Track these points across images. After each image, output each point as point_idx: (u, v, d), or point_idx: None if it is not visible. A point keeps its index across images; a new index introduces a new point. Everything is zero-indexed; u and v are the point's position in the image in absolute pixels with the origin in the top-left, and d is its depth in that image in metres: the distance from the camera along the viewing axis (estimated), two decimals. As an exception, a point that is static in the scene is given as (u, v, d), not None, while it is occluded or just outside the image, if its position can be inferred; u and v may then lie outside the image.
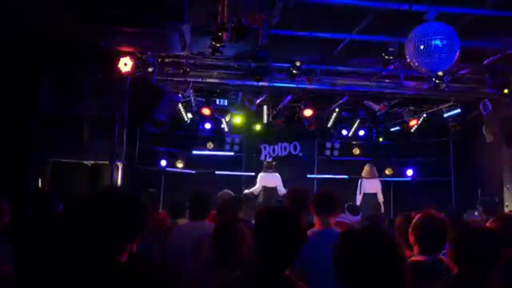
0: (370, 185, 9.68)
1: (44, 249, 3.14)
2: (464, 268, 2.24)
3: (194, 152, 10.81)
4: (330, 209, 3.44)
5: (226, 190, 5.83)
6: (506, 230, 2.74)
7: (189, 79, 7.25)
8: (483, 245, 2.21)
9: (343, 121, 10.70)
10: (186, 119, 9.40)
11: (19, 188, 5.69)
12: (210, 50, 5.14)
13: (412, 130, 9.91)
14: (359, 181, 9.87)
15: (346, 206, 5.98)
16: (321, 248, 2.20)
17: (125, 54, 5.92)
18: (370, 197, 9.58)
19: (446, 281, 2.27)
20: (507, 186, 8.03)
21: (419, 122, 9.56)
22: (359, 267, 1.56)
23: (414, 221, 2.86)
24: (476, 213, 6.36)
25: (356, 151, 11.69)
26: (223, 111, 9.67)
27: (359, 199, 9.59)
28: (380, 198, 9.67)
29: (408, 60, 4.31)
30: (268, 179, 9.54)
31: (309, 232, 3.39)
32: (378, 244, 1.57)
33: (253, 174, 10.41)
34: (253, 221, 2.30)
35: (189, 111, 9.32)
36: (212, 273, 2.94)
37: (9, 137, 5.95)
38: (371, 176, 9.75)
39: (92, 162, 7.09)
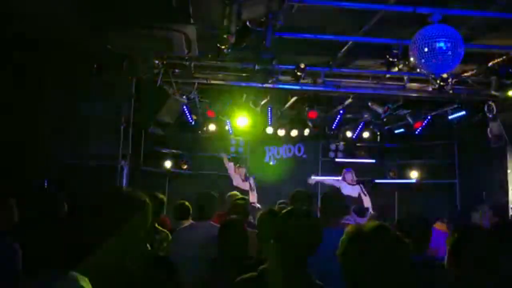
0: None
1: (49, 249, 3.17)
2: (465, 269, 2.25)
3: (199, 153, 10.85)
4: (337, 210, 3.50)
5: (234, 192, 5.87)
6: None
7: (194, 81, 7.28)
8: (483, 247, 2.23)
9: (347, 123, 10.72)
10: (190, 120, 9.44)
11: (26, 189, 5.73)
12: (215, 52, 5.17)
13: (416, 132, 9.90)
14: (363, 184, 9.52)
15: (353, 207, 5.99)
16: (327, 248, 2.22)
17: (130, 55, 5.96)
18: None
19: (446, 282, 2.28)
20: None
21: (424, 124, 9.55)
22: (363, 266, 1.55)
23: (396, 221, 2.88)
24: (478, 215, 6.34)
25: (360, 153, 11.69)
26: (228, 112, 9.69)
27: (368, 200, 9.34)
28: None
29: (412, 63, 4.32)
30: None
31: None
32: (383, 243, 1.57)
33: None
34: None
35: (193, 113, 9.35)
36: (217, 273, 2.96)
37: (14, 138, 5.99)
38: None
39: (96, 163, 7.12)
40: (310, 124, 9.88)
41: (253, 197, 9.00)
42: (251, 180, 9.44)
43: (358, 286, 1.59)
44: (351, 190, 8.99)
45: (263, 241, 2.80)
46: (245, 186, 9.27)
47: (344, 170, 9.43)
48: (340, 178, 9.43)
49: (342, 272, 1.60)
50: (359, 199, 8.88)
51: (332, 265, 2.32)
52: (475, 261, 2.24)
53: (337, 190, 8.74)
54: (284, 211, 2.26)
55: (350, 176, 9.23)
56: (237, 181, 9.38)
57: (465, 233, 2.37)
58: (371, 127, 10.58)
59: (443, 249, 2.72)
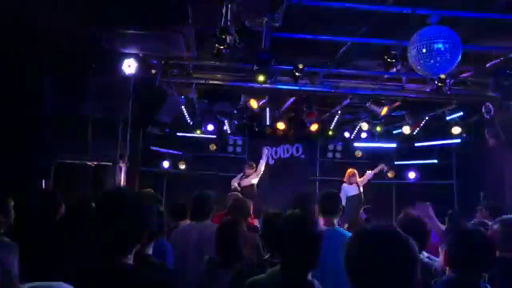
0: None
1: (48, 249, 3.16)
2: (459, 270, 2.26)
3: (197, 153, 10.84)
4: (335, 209, 3.52)
5: (234, 193, 5.87)
6: (504, 232, 2.79)
7: (192, 81, 7.28)
8: (478, 247, 2.24)
9: (346, 124, 10.72)
10: (189, 120, 9.43)
11: (25, 189, 5.72)
12: (214, 52, 5.17)
13: (414, 133, 9.91)
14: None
15: (363, 208, 6.05)
16: (326, 248, 2.24)
17: (129, 56, 5.96)
18: None
19: (441, 282, 2.29)
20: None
21: (422, 125, 9.56)
22: (372, 266, 1.52)
23: (395, 221, 2.89)
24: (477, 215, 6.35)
25: (358, 153, 11.69)
26: (226, 113, 9.69)
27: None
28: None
29: (410, 63, 4.33)
30: None
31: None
32: (392, 244, 1.55)
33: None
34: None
35: (192, 113, 9.35)
36: (214, 273, 2.97)
37: (14, 138, 5.98)
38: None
39: (95, 163, 7.12)
40: (308, 124, 9.89)
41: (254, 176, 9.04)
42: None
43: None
44: (352, 189, 8.97)
45: (268, 242, 2.80)
46: (247, 182, 9.14)
47: (352, 172, 9.19)
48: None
49: (348, 274, 1.57)
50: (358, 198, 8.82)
51: (330, 264, 2.34)
52: (469, 261, 2.25)
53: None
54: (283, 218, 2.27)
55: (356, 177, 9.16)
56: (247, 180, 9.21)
57: (458, 233, 2.39)
58: (369, 127, 10.59)
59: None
